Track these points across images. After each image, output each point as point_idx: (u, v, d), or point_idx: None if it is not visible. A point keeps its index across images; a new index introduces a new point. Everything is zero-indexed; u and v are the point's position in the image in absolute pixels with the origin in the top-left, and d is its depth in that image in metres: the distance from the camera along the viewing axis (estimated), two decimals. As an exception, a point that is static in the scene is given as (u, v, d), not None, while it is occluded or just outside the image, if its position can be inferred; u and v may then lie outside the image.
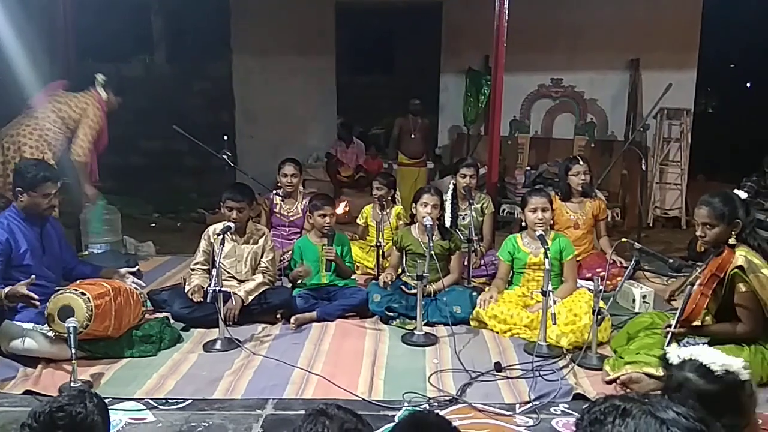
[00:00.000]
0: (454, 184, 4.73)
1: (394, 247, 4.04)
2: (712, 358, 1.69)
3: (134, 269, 3.92)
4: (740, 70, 11.13)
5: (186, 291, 3.69)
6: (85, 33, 5.57)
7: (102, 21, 6.59)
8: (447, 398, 2.79)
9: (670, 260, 3.31)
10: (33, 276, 3.03)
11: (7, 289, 3.00)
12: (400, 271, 4.04)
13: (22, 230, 3.31)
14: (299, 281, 3.95)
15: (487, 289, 3.85)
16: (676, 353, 1.81)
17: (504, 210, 6.61)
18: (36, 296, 2.96)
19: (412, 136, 6.77)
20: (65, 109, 4.51)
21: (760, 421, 2.19)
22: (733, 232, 2.88)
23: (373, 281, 4.07)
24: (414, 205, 3.92)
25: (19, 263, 3.25)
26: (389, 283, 3.74)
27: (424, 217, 3.74)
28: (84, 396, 1.68)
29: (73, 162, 4.50)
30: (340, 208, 5.98)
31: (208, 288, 3.30)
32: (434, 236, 3.74)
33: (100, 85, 4.64)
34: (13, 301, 3.03)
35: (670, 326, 2.88)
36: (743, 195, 2.98)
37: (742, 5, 7.59)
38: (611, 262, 3.90)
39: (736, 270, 2.80)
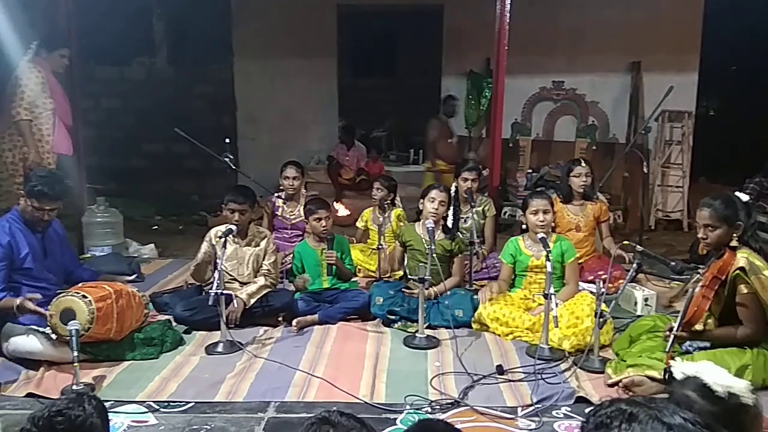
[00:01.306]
0: (456, 188, 4.72)
1: (397, 243, 4.04)
2: (715, 378, 1.64)
3: (132, 276, 3.90)
4: (742, 73, 11.11)
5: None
6: (88, 36, 5.59)
7: (104, 24, 6.61)
8: (449, 401, 2.79)
9: (672, 263, 3.31)
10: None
11: (18, 300, 3.04)
12: (401, 273, 4.03)
13: (24, 233, 3.32)
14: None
15: (486, 283, 3.85)
16: (680, 369, 1.78)
17: (506, 213, 6.60)
18: (45, 312, 2.98)
19: (450, 140, 6.56)
20: (9, 92, 4.46)
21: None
22: (734, 235, 2.88)
23: (375, 283, 4.07)
24: (421, 201, 3.92)
25: (20, 266, 3.27)
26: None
27: (430, 212, 3.75)
28: (82, 399, 1.68)
29: (16, 125, 4.43)
30: (342, 210, 5.98)
31: (210, 290, 3.31)
32: (437, 235, 3.74)
33: (32, 53, 4.53)
34: (23, 313, 3.07)
35: (671, 329, 2.87)
36: (745, 197, 2.98)
37: (743, 7, 7.59)
38: (617, 255, 3.90)
39: (737, 272, 2.80)
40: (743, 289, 2.80)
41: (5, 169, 4.52)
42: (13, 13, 4.57)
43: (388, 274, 4.30)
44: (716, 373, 1.67)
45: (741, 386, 1.64)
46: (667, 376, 1.82)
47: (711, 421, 1.54)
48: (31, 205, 3.29)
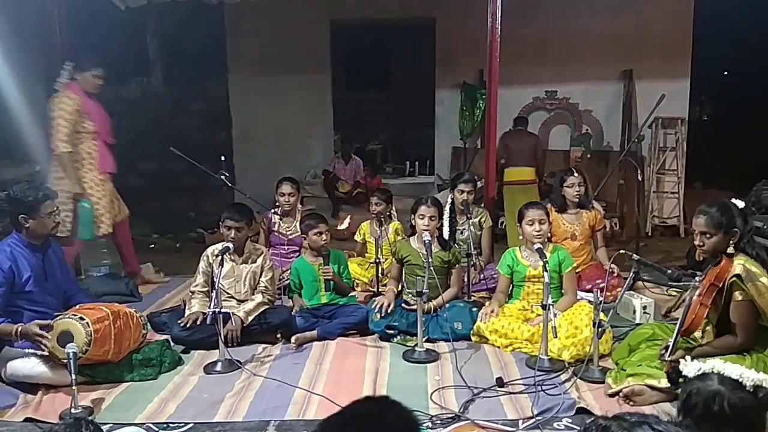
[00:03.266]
0: (452, 199, 4.74)
1: (394, 260, 4.04)
2: (740, 372, 1.70)
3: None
4: (733, 77, 11.21)
5: (185, 316, 3.69)
6: (82, 56, 5.61)
7: (99, 44, 6.64)
8: (449, 416, 2.77)
9: (669, 271, 3.32)
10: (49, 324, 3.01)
11: (19, 327, 3.00)
12: (400, 288, 4.03)
13: (26, 257, 3.30)
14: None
15: (488, 303, 3.85)
16: (693, 365, 1.81)
17: (502, 222, 6.62)
18: (49, 337, 2.94)
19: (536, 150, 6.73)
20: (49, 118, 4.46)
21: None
22: (731, 242, 2.88)
23: (373, 299, 4.06)
24: (412, 216, 3.92)
25: (21, 290, 3.24)
26: (387, 308, 3.69)
27: (422, 228, 3.75)
28: (80, 424, 1.67)
29: (57, 158, 4.42)
30: (344, 223, 5.99)
31: (208, 309, 3.30)
32: (434, 248, 3.74)
33: (66, 75, 4.52)
34: (24, 339, 3.02)
35: (667, 348, 2.85)
36: (741, 204, 2.98)
37: (732, 13, 7.67)
38: (610, 271, 3.91)
39: (733, 279, 2.80)
40: (738, 296, 2.80)
41: (62, 196, 4.39)
42: (6, 34, 4.59)
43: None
44: (735, 367, 1.70)
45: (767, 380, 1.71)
46: (674, 376, 1.82)
47: (740, 416, 1.60)
48: (42, 218, 3.29)
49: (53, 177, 4.48)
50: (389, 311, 3.69)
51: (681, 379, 1.81)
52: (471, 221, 4.56)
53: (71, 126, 4.41)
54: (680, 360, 1.98)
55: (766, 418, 1.72)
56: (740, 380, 1.69)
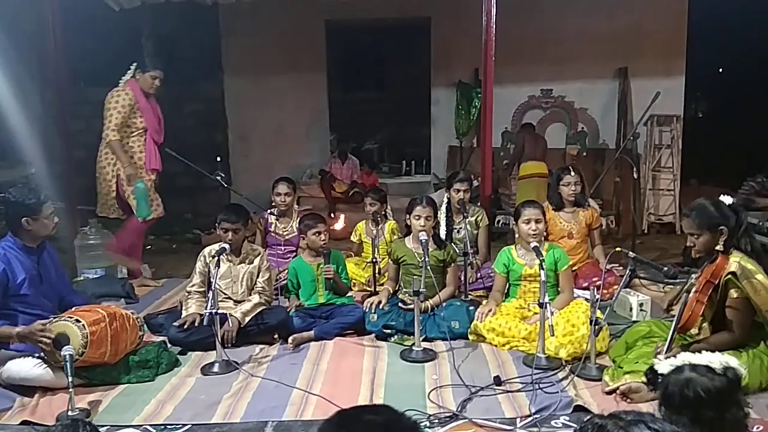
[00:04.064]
0: (448, 198, 4.74)
1: (390, 260, 4.04)
2: (709, 358, 1.79)
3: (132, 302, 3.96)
4: (728, 75, 11.25)
5: (182, 317, 3.68)
6: (76, 58, 5.60)
7: (93, 45, 6.62)
8: (447, 415, 2.77)
9: (665, 268, 3.32)
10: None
11: (20, 329, 3.00)
12: (397, 287, 4.03)
13: (20, 259, 3.28)
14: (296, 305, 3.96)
15: (485, 302, 3.85)
16: (666, 363, 1.86)
17: (499, 221, 6.63)
18: (49, 338, 2.92)
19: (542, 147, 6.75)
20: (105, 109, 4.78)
21: (761, 427, 2.20)
22: (720, 239, 2.88)
23: (369, 299, 4.05)
24: (407, 216, 3.93)
25: (16, 293, 3.22)
26: (378, 305, 3.73)
27: (418, 229, 3.76)
28: (77, 425, 1.67)
29: (108, 146, 4.77)
30: (340, 223, 5.99)
31: (205, 311, 3.29)
32: (429, 248, 3.74)
33: (129, 74, 4.90)
34: (26, 342, 3.01)
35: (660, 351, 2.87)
36: (729, 200, 2.97)
37: (727, 11, 7.69)
38: (607, 269, 3.91)
39: (729, 276, 2.81)
40: (733, 293, 2.81)
41: (106, 184, 4.85)
42: (1, 38, 4.58)
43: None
44: (705, 355, 1.79)
45: (735, 361, 1.82)
46: (651, 377, 1.89)
47: (716, 398, 1.68)
48: (43, 220, 3.29)
49: (100, 166, 4.87)
50: (383, 308, 3.70)
51: (659, 379, 1.86)
52: (467, 220, 4.56)
53: (123, 118, 4.75)
54: (653, 360, 2.04)
55: (739, 397, 1.79)
56: (710, 365, 1.77)
